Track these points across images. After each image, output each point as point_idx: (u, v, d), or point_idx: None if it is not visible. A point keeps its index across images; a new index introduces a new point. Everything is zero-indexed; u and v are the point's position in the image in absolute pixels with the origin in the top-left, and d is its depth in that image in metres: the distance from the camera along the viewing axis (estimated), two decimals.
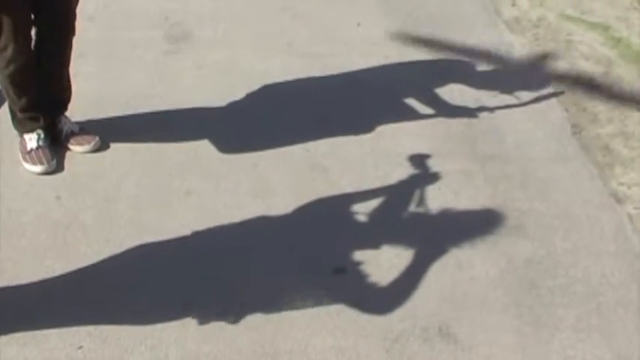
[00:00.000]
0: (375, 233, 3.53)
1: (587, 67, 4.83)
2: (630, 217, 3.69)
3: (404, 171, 3.89)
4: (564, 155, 4.08)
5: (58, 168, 3.84)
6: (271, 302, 3.16)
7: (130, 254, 3.37)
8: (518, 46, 5.07)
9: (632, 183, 3.89)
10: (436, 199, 3.72)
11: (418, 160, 3.95)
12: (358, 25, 5.22)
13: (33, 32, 3.69)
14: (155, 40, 4.95)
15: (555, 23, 5.33)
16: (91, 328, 3.02)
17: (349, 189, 3.78)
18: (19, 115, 3.84)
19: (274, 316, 3.10)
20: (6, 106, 3.88)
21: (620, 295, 3.28)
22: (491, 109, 4.37)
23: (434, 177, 3.84)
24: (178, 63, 4.73)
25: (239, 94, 4.42)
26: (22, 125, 3.87)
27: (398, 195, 3.74)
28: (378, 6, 5.47)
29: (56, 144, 3.93)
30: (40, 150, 3.83)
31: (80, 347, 2.96)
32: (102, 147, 3.97)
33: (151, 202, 3.66)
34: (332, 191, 3.77)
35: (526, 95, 4.51)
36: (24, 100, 3.78)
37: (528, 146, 4.12)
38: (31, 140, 3.83)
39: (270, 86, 4.51)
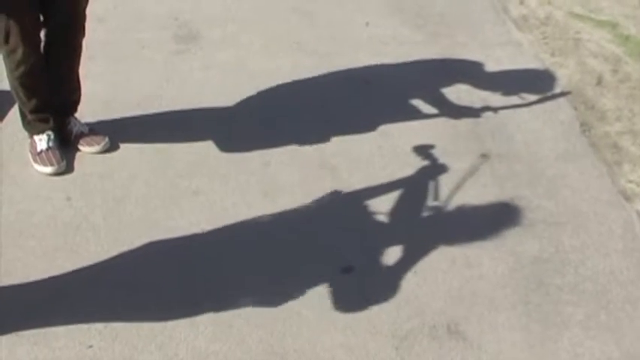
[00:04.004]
0: (384, 231, 3.54)
1: (596, 65, 4.83)
2: (639, 214, 3.69)
3: (412, 170, 3.90)
4: (573, 153, 4.08)
5: (68, 169, 3.85)
6: (280, 301, 3.17)
7: (139, 254, 3.39)
8: (526, 44, 5.07)
9: None
10: (444, 197, 3.73)
11: (426, 159, 3.96)
12: (366, 24, 5.22)
13: (42, 34, 3.71)
14: (164, 41, 4.96)
15: (563, 21, 5.32)
16: (100, 327, 3.04)
17: (358, 187, 3.79)
18: (29, 116, 3.86)
19: (283, 315, 3.11)
20: (16, 107, 3.90)
21: (629, 292, 3.28)
22: (499, 108, 4.37)
23: (442, 176, 3.85)
24: (187, 63, 4.75)
25: (248, 94, 4.43)
26: (32, 126, 3.89)
27: (406, 194, 3.74)
28: (386, 5, 5.47)
29: (66, 145, 3.95)
30: (50, 151, 3.84)
31: (90, 346, 2.97)
32: (111, 148, 3.99)
33: (161, 202, 3.67)
34: (341, 190, 3.77)
35: (534, 94, 4.51)
36: (34, 102, 3.80)
37: (537, 144, 4.12)
38: (41, 141, 3.85)
39: (279, 86, 4.52)
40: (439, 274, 3.32)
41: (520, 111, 4.37)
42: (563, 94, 4.55)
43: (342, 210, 3.68)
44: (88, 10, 3.78)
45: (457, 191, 3.75)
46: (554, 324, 3.12)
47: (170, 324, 3.06)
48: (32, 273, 3.27)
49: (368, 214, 3.65)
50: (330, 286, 3.27)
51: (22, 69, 3.65)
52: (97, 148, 3.96)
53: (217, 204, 3.67)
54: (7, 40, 3.56)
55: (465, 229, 3.57)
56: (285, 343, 3.00)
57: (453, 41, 5.07)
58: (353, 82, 4.60)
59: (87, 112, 4.09)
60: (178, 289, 3.23)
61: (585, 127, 4.27)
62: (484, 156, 3.90)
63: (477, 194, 3.75)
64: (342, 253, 3.42)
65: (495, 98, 4.46)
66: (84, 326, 3.04)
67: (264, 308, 3.15)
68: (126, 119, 4.20)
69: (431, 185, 3.79)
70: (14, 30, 3.52)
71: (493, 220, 3.63)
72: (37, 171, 3.82)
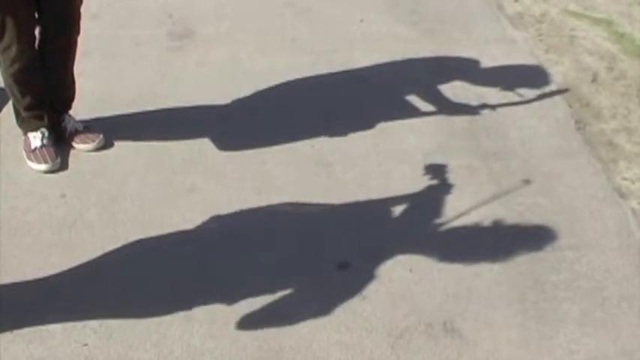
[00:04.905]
0: (379, 229, 3.54)
1: (591, 63, 4.83)
2: (634, 211, 3.69)
3: (407, 167, 3.89)
4: (568, 151, 4.08)
5: (63, 166, 3.85)
6: (275, 298, 3.17)
7: (134, 251, 3.38)
8: (522, 42, 5.07)
9: (635, 178, 3.89)
10: (440, 194, 3.72)
11: (422, 157, 3.96)
12: (361, 21, 5.22)
13: (37, 31, 3.70)
14: (159, 38, 4.96)
15: (558, 18, 5.32)
16: (96, 325, 3.03)
17: (353, 185, 3.79)
18: (24, 113, 3.85)
19: (279, 312, 3.10)
20: (10, 104, 3.89)
21: (624, 289, 3.28)
22: (494, 105, 4.37)
23: (438, 173, 3.84)
24: (182, 60, 4.74)
25: (243, 91, 4.43)
26: (26, 124, 3.88)
27: (402, 191, 3.74)
28: (381, 2, 5.46)
29: (60, 142, 3.94)
30: (44, 148, 3.83)
31: (85, 344, 2.96)
32: (106, 145, 3.98)
33: (156, 200, 3.66)
34: (336, 187, 3.77)
35: (529, 91, 4.51)
36: (28, 99, 3.79)
37: (532, 142, 4.12)
38: (36, 139, 3.84)
39: (274, 83, 4.51)
40: (435, 272, 3.32)
41: (515, 108, 4.37)
42: (558, 91, 4.55)
43: (337, 207, 3.67)
44: (83, 7, 3.77)
45: (453, 189, 3.75)
46: (549, 321, 3.13)
47: (165, 322, 3.06)
48: (27, 270, 3.26)
49: (363, 212, 3.65)
50: (326, 283, 3.27)
51: (16, 66, 3.64)
52: (91, 145, 3.95)
53: (212, 201, 3.66)
54: (1, 37, 3.55)
55: (460, 227, 3.56)
56: (281, 341, 3.00)
57: (448, 38, 5.07)
58: (348, 80, 4.60)
59: (81, 109, 4.08)
60: (173, 287, 3.23)
61: (580, 125, 4.27)
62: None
63: (472, 191, 3.75)
64: (338, 250, 3.42)
65: (491, 95, 4.46)
66: (79, 324, 3.03)
67: (260, 306, 3.14)
68: (120, 116, 4.19)
69: (426, 183, 3.79)
70: (9, 27, 3.51)
71: (489, 217, 3.62)
72: (31, 168, 3.81)
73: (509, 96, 4.46)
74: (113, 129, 4.05)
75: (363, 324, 3.08)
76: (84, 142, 3.96)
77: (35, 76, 3.74)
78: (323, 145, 4.04)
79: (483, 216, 3.63)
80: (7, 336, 2.98)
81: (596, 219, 3.64)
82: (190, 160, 3.92)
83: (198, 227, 3.51)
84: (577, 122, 4.29)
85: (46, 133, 3.87)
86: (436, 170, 3.86)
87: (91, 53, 4.59)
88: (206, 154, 3.95)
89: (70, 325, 3.03)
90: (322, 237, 3.49)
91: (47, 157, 3.82)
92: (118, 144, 4.00)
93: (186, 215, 3.57)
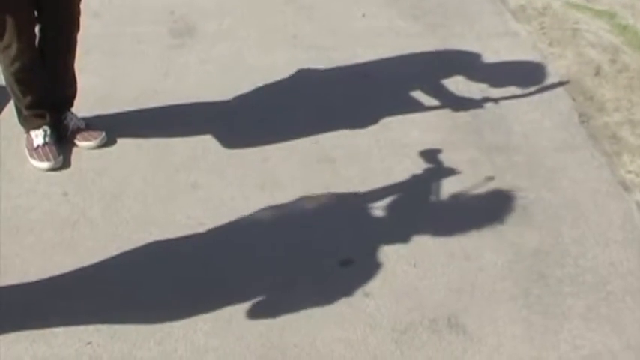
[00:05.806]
0: (382, 224, 3.53)
1: (594, 55, 4.81)
2: (638, 204, 3.68)
3: (411, 162, 3.88)
4: (571, 144, 4.07)
5: (65, 164, 3.84)
6: (279, 295, 3.17)
7: (137, 249, 3.37)
8: (524, 35, 5.05)
9: (639, 171, 3.88)
10: (443, 189, 3.71)
11: (425, 151, 3.95)
12: (363, 16, 5.21)
13: (37, 29, 3.69)
14: (160, 35, 4.94)
15: (561, 11, 5.31)
16: (99, 324, 3.02)
17: (356, 181, 3.78)
18: (25, 112, 3.84)
19: (282, 309, 3.09)
20: (12, 103, 3.89)
21: (629, 283, 3.27)
22: (497, 99, 4.36)
23: (441, 167, 3.84)
24: (184, 58, 4.73)
25: (244, 88, 4.42)
26: (28, 122, 3.88)
27: (405, 186, 3.73)
28: None
29: (62, 140, 3.93)
30: (46, 146, 3.83)
31: (89, 343, 2.96)
32: (108, 143, 3.97)
33: (158, 197, 3.66)
34: (339, 183, 3.76)
35: (532, 85, 4.50)
36: (29, 97, 3.79)
37: (535, 136, 4.11)
38: (38, 137, 3.84)
39: (276, 79, 4.51)
40: (438, 267, 3.31)
41: (518, 102, 4.36)
42: (561, 84, 4.53)
43: (340, 203, 3.67)
44: (84, 5, 3.76)
45: (456, 184, 3.74)
46: (554, 316, 3.12)
47: (169, 320, 3.05)
48: (29, 269, 3.26)
49: (367, 208, 3.64)
50: (329, 279, 3.26)
51: (17, 65, 3.63)
52: (93, 143, 3.95)
53: (215, 198, 3.66)
54: (1, 36, 3.54)
55: (464, 221, 3.55)
56: (285, 338, 2.99)
57: (451, 32, 5.06)
58: (350, 75, 4.59)
59: (83, 107, 4.07)
60: (177, 285, 3.22)
61: (584, 118, 4.26)
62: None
63: (476, 186, 3.74)
64: (341, 246, 3.41)
65: (493, 89, 4.44)
66: (82, 323, 3.02)
67: (263, 302, 3.14)
68: (122, 114, 4.18)
69: (430, 177, 3.78)
70: (9, 26, 3.50)
71: (492, 212, 3.61)
72: (33, 167, 3.81)
73: (512, 90, 4.45)
74: (115, 127, 4.05)
75: (366, 320, 3.07)
76: (86, 140, 3.95)
77: (36, 75, 3.74)
78: (325, 141, 4.03)
79: (487, 210, 3.62)
80: (10, 335, 2.97)
81: (601, 213, 3.63)
82: (193, 157, 3.91)
83: (202, 224, 3.50)
84: (580, 115, 4.28)
85: (48, 131, 3.87)
86: (439, 165, 3.85)
87: (93, 51, 4.58)
88: (209, 151, 3.95)
89: (73, 324, 3.02)
90: (325, 233, 3.49)
91: (49, 155, 3.81)
92: (120, 142, 4.00)
93: (189, 212, 3.57)
